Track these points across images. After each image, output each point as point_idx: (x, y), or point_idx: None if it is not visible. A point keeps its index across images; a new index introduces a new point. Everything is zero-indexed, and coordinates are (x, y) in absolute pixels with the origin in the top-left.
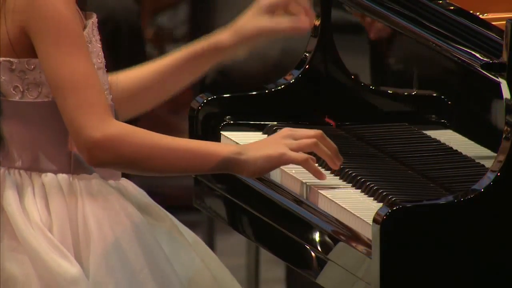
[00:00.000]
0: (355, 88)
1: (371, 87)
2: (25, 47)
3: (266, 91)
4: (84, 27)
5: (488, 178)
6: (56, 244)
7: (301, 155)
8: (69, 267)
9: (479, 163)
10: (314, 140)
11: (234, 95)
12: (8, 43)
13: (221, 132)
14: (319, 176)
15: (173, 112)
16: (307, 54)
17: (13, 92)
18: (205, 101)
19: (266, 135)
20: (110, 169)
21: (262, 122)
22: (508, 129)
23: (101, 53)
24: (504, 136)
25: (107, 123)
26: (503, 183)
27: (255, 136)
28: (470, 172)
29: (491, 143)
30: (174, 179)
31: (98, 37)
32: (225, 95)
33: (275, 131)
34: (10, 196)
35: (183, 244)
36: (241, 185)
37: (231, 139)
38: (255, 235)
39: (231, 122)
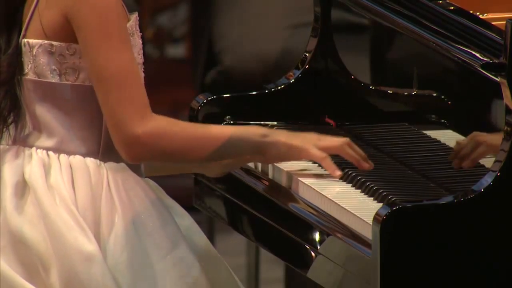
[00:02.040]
0: (355, 88)
1: (371, 87)
2: (66, 32)
3: (266, 91)
4: (128, 21)
5: (488, 178)
6: (78, 220)
7: (321, 153)
8: (86, 243)
9: (479, 163)
10: (340, 143)
11: (234, 95)
12: (47, 26)
13: None
14: (334, 172)
15: (173, 112)
16: (307, 54)
17: (50, 74)
18: (205, 101)
19: None
20: (135, 166)
21: (262, 122)
22: (508, 129)
23: (141, 49)
24: (504, 136)
25: (147, 119)
26: (503, 183)
27: None
28: (470, 172)
29: None
30: (174, 179)
31: (139, 33)
32: (225, 95)
33: None
34: (36, 172)
35: (201, 233)
36: (241, 185)
37: None
38: (255, 235)
39: (231, 122)
